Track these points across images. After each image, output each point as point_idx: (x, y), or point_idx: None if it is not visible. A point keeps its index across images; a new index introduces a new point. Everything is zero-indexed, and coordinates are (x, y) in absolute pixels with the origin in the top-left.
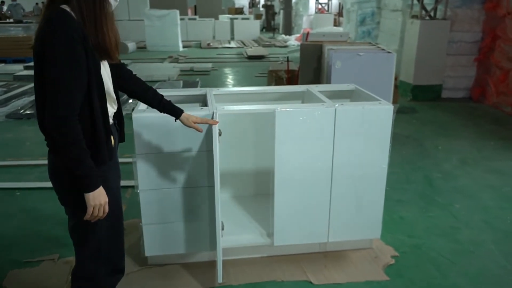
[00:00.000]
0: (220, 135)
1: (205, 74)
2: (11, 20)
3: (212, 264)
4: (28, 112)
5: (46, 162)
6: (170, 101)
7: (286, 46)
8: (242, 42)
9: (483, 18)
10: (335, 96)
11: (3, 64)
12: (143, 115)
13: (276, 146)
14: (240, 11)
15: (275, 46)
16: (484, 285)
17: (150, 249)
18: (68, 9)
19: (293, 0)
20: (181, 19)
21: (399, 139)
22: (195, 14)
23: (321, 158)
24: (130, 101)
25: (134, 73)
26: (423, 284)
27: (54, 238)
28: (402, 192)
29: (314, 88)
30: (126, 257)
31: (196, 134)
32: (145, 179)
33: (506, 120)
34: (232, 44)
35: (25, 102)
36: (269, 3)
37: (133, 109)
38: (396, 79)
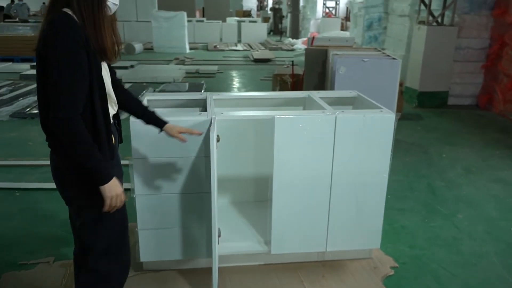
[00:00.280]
0: (218, 140)
1: (210, 77)
2: (17, 20)
3: (209, 270)
4: (32, 111)
5: (48, 162)
6: (154, 111)
7: (292, 50)
8: (249, 45)
9: (491, 25)
10: (337, 102)
11: (10, 63)
12: None
13: (275, 153)
14: (248, 13)
15: (281, 49)
16: None
17: (146, 254)
18: (70, 12)
19: (301, 3)
20: (189, 21)
21: (403, 146)
22: (203, 16)
23: (321, 166)
24: None
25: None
26: None
27: (51, 240)
28: (404, 201)
29: (316, 95)
30: None
31: (194, 140)
32: (141, 184)
33: None
34: (239, 47)
35: (30, 102)
36: (277, 6)
37: None
38: (401, 85)
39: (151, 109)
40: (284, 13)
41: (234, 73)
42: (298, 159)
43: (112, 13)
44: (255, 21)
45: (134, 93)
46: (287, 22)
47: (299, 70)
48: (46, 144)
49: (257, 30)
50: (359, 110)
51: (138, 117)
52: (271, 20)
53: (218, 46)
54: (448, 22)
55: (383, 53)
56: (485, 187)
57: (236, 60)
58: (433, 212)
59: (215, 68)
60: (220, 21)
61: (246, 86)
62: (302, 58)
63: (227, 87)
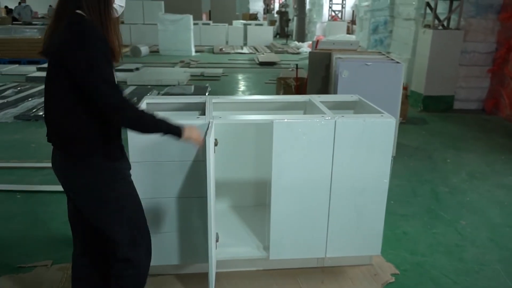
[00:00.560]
0: (216, 145)
1: (215, 80)
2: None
3: (207, 275)
4: (37, 113)
5: (50, 165)
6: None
7: (298, 53)
8: (255, 48)
9: (497, 29)
10: (338, 107)
11: (17, 65)
12: None
13: (274, 157)
14: (254, 17)
15: (287, 52)
16: None
17: None
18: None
19: (307, 7)
20: (195, 23)
21: (407, 150)
22: (210, 19)
23: (320, 170)
24: None
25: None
26: None
27: (51, 243)
28: (407, 206)
29: (317, 99)
30: None
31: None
32: (138, 188)
33: None
34: (245, 50)
35: (35, 104)
36: (283, 9)
37: None
38: (406, 89)
39: (149, 111)
40: (290, 17)
41: (239, 76)
42: (297, 164)
43: (118, 15)
44: (261, 24)
45: (138, 96)
46: (293, 26)
47: (304, 74)
48: (48, 147)
49: (263, 33)
50: (359, 114)
51: None
52: (277, 23)
53: (223, 49)
54: (454, 26)
55: (387, 56)
56: (489, 193)
57: (241, 63)
58: (436, 218)
59: (220, 71)
60: (226, 24)
61: (250, 89)
62: (307, 62)
63: (231, 90)
